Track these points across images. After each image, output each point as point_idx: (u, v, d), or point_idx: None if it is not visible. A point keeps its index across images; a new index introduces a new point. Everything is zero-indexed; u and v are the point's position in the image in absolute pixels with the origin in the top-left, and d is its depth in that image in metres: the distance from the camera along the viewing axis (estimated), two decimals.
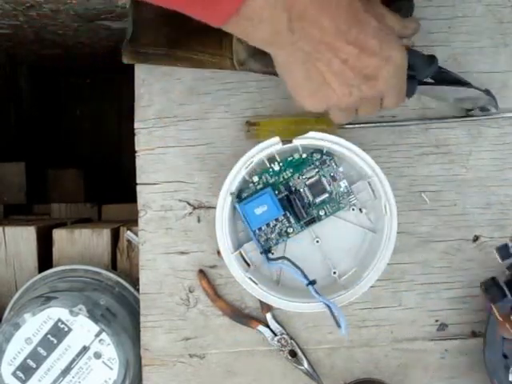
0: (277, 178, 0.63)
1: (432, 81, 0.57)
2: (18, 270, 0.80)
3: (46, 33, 1.34)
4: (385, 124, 0.67)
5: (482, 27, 0.67)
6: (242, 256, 0.63)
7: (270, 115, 0.66)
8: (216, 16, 0.44)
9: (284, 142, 0.61)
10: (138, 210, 0.67)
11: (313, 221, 0.64)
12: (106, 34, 1.35)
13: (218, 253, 0.65)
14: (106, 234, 0.80)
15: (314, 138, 0.61)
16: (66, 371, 0.65)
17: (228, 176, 0.61)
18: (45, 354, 0.64)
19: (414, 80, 0.58)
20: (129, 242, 0.80)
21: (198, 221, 0.66)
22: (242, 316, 0.66)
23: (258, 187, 0.63)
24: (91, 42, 1.44)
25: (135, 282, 0.74)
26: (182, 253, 0.67)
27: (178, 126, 0.67)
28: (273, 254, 0.64)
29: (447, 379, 0.67)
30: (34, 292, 0.72)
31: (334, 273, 0.64)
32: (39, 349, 0.64)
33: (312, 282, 0.52)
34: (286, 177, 0.63)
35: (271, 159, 0.63)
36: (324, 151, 0.63)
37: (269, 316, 0.66)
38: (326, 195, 0.63)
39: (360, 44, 0.47)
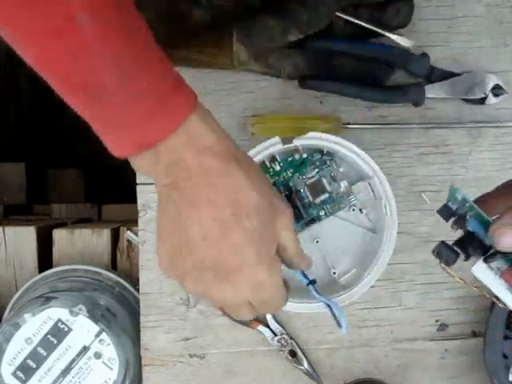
0: (277, 177, 0.63)
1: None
2: (18, 270, 0.80)
3: None
4: (385, 124, 0.67)
5: (481, 27, 0.67)
6: None
7: (270, 115, 0.66)
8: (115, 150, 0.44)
9: (284, 142, 0.61)
10: (138, 210, 0.67)
11: (313, 221, 0.64)
12: None
13: None
14: (106, 234, 0.80)
15: (315, 138, 0.61)
16: (66, 371, 0.65)
17: None
18: (45, 354, 0.64)
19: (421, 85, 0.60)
20: (129, 241, 0.80)
21: None
22: None
23: None
24: None
25: (135, 282, 0.74)
26: None
27: None
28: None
29: (447, 379, 0.67)
30: (34, 292, 0.72)
31: (334, 273, 0.64)
32: (39, 349, 0.64)
33: (312, 282, 0.52)
34: (286, 177, 0.63)
35: (272, 159, 0.63)
36: (324, 151, 0.63)
37: (269, 316, 0.66)
38: (326, 195, 0.63)
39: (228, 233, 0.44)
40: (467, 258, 0.44)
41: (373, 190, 0.63)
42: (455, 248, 0.43)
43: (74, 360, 0.65)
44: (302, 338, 0.67)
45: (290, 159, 0.63)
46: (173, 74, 0.43)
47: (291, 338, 0.66)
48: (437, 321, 0.67)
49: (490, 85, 0.65)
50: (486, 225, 0.43)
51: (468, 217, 0.44)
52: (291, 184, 0.63)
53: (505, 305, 0.43)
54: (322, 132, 0.61)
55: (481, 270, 0.43)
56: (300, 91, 0.66)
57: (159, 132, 0.42)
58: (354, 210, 0.64)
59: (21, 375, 0.64)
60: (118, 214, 1.06)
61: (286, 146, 0.61)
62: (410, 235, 0.67)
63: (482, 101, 0.66)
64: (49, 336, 0.64)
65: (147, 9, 0.65)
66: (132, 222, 0.78)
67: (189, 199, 0.44)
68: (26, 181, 1.23)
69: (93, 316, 0.65)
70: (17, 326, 0.64)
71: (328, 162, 0.63)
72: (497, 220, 0.41)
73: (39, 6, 0.36)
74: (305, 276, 0.51)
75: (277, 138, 0.61)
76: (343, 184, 0.63)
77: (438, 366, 0.67)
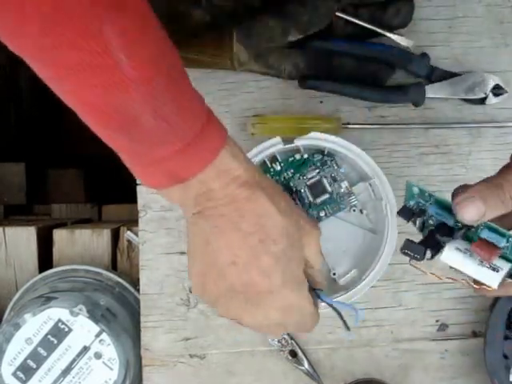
0: (278, 178, 0.63)
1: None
2: (19, 271, 0.80)
3: None
4: (385, 124, 0.67)
5: (482, 27, 0.67)
6: None
7: (271, 115, 0.66)
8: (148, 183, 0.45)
9: (285, 142, 0.61)
10: (138, 210, 0.67)
11: None
12: None
13: None
14: (106, 234, 0.80)
15: (315, 139, 0.61)
16: (66, 371, 0.64)
17: None
18: (45, 354, 0.64)
19: (421, 85, 0.60)
20: (129, 242, 0.80)
21: None
22: None
23: None
24: None
25: (135, 283, 0.74)
26: (183, 253, 0.66)
27: None
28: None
29: (448, 379, 0.67)
30: (35, 292, 0.72)
31: (334, 274, 0.64)
32: (39, 349, 0.64)
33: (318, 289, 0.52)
34: (286, 177, 0.63)
35: (272, 159, 0.63)
36: (325, 152, 0.63)
37: None
38: (327, 196, 0.63)
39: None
40: (434, 251, 0.44)
41: (373, 191, 0.62)
42: (422, 247, 0.44)
43: (74, 360, 0.64)
44: (303, 338, 0.67)
45: (290, 159, 0.63)
46: (205, 109, 0.44)
47: (291, 338, 0.66)
48: (437, 321, 0.67)
49: (491, 85, 0.65)
50: (449, 209, 0.43)
51: (428, 206, 0.45)
52: (292, 184, 0.63)
53: (484, 284, 0.43)
54: (323, 132, 0.61)
55: (450, 254, 0.44)
56: (300, 91, 0.66)
57: (192, 168, 0.43)
58: (354, 210, 0.64)
59: (21, 375, 0.64)
60: (118, 214, 1.06)
61: (287, 145, 0.61)
62: (410, 235, 0.66)
63: (482, 101, 0.66)
64: (49, 336, 0.64)
65: None
66: (132, 222, 0.78)
67: (217, 226, 0.45)
68: (26, 181, 1.23)
69: (93, 316, 0.65)
70: (17, 327, 0.64)
71: (329, 163, 0.63)
72: (460, 193, 0.42)
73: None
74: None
75: (278, 138, 0.61)
76: (344, 185, 0.63)
77: (439, 367, 0.67)
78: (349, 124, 0.66)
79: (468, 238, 0.44)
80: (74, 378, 0.65)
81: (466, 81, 0.65)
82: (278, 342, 0.66)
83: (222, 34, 0.64)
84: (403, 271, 0.67)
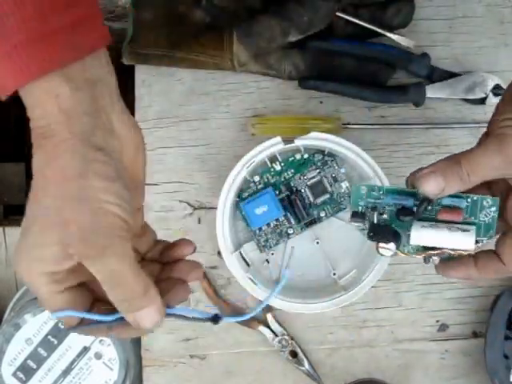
0: (278, 177, 0.63)
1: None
2: None
3: None
4: (385, 124, 0.67)
5: (482, 27, 0.67)
6: (242, 256, 0.63)
7: (271, 115, 0.66)
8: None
9: (286, 142, 0.61)
10: None
11: (313, 222, 0.64)
12: None
13: (219, 253, 0.65)
14: None
15: (316, 139, 0.61)
16: (66, 372, 0.64)
17: (229, 176, 0.61)
18: (45, 354, 0.64)
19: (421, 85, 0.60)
20: None
21: (199, 221, 0.66)
22: None
23: (259, 187, 0.63)
24: None
25: None
26: None
27: (178, 126, 0.67)
28: (273, 254, 0.64)
29: (448, 380, 0.67)
30: None
31: (334, 274, 0.64)
32: (40, 349, 0.64)
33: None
34: (287, 177, 0.63)
35: (273, 159, 0.63)
36: (326, 152, 0.63)
37: (269, 317, 0.66)
38: (327, 196, 0.63)
39: None
40: (396, 241, 0.45)
41: None
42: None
43: (74, 360, 0.64)
44: (303, 339, 0.67)
45: (291, 159, 0.63)
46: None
47: (292, 339, 0.66)
48: (437, 321, 0.67)
49: (491, 85, 0.65)
50: (404, 192, 0.45)
51: (381, 198, 0.46)
52: (292, 184, 0.63)
53: (460, 250, 0.44)
54: (323, 132, 0.61)
55: (419, 234, 0.44)
56: (300, 91, 0.66)
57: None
58: None
59: (21, 376, 0.64)
60: None
61: (288, 145, 0.61)
62: None
63: (483, 101, 0.66)
64: (49, 336, 0.64)
65: (147, 9, 0.65)
66: None
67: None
68: (26, 181, 1.23)
69: None
70: (17, 327, 0.64)
71: (329, 163, 0.63)
72: (419, 169, 0.43)
73: None
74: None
75: (278, 138, 0.61)
76: (344, 185, 0.63)
77: (439, 367, 0.67)
78: (349, 124, 0.66)
79: (428, 220, 0.45)
80: (74, 378, 0.64)
81: (466, 81, 0.65)
82: (279, 342, 0.66)
83: (222, 35, 0.64)
84: (403, 271, 0.67)
